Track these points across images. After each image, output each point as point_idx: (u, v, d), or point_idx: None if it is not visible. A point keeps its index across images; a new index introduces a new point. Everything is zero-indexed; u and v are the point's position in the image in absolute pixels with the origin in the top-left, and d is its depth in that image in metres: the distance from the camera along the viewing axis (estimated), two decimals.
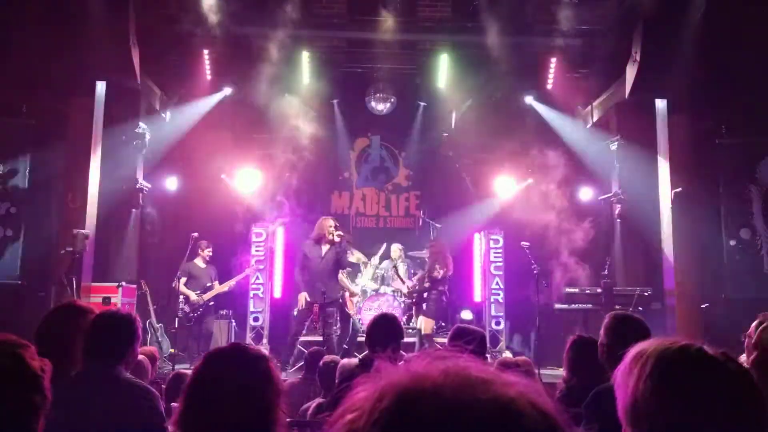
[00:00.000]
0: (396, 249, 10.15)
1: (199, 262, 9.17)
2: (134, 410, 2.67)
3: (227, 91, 10.39)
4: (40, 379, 1.63)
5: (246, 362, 1.84)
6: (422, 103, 11.33)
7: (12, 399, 1.59)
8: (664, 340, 1.33)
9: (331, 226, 8.22)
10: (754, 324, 3.06)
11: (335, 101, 11.00)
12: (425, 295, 8.73)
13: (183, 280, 8.96)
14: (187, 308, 8.85)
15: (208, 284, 9.07)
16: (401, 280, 9.66)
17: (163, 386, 4.67)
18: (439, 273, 8.61)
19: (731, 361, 1.27)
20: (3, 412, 1.57)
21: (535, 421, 0.64)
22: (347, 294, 9.07)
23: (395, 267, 9.93)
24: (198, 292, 8.94)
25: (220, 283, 9.31)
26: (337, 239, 8.22)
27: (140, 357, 4.73)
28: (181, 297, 8.84)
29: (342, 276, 8.90)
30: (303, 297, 8.13)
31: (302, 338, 9.53)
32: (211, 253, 9.30)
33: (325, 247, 8.22)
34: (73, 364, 2.70)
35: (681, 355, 1.27)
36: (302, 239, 10.52)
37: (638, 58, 8.49)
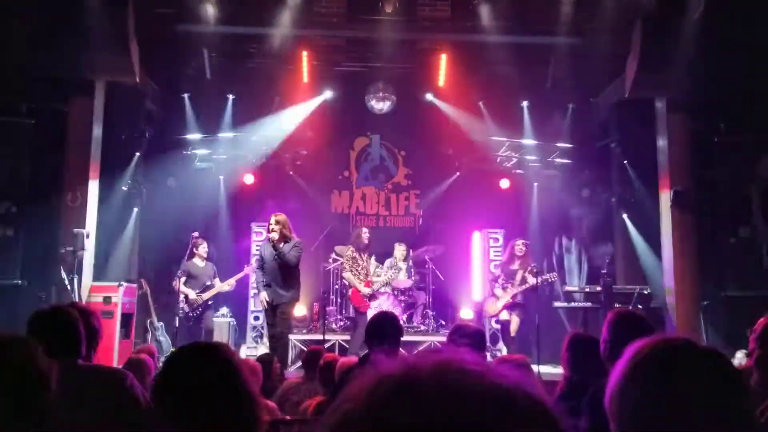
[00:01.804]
0: (400, 249, 10.13)
1: (197, 261, 9.16)
2: (100, 396, 2.66)
3: (226, 88, 10.43)
4: (49, 378, 1.64)
5: (205, 354, 1.88)
6: (426, 102, 11.31)
7: (23, 396, 1.60)
8: (659, 337, 1.34)
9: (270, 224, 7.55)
10: (760, 321, 3.06)
11: (331, 100, 10.98)
12: (521, 296, 8.76)
13: (182, 279, 8.94)
14: (186, 307, 8.85)
15: (208, 283, 9.06)
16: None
17: None
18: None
19: (718, 355, 1.29)
20: (16, 408, 1.58)
21: (528, 410, 0.64)
22: (351, 291, 8.86)
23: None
24: (197, 291, 8.95)
25: (221, 281, 9.31)
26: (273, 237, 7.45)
27: (143, 356, 4.74)
28: (181, 296, 8.85)
29: (348, 274, 8.73)
30: (263, 297, 7.59)
31: (303, 337, 9.56)
32: (207, 250, 9.27)
33: (278, 246, 7.51)
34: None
35: (656, 347, 1.29)
36: (301, 238, 10.56)
37: (637, 57, 8.50)
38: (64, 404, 2.06)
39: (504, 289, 8.91)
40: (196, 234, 9.02)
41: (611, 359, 2.98)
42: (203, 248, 9.20)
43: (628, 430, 1.25)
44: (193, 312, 8.88)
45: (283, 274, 7.46)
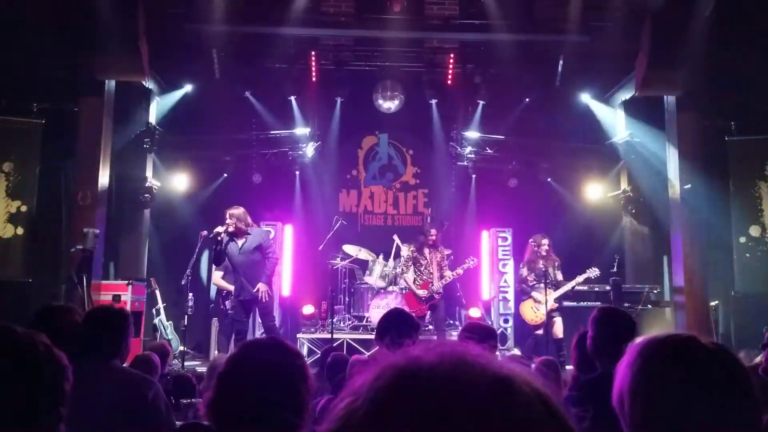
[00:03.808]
0: (408, 248, 10.08)
1: None
2: (129, 400, 2.71)
3: (234, 88, 10.46)
4: (64, 368, 1.66)
5: (283, 355, 1.83)
6: (433, 101, 11.27)
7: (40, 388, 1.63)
8: (661, 333, 1.35)
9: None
10: None
11: (339, 99, 10.98)
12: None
13: (219, 273, 9.03)
14: (228, 303, 8.93)
15: None
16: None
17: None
18: None
19: (722, 351, 1.28)
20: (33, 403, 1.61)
21: (529, 398, 0.65)
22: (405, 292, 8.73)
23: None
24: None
25: None
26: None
27: (148, 353, 4.77)
28: (191, 293, 8.82)
29: (409, 275, 8.63)
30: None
31: (310, 336, 9.57)
32: None
33: (241, 241, 7.52)
34: None
35: (662, 344, 1.29)
36: (309, 237, 10.59)
37: (647, 55, 8.46)
38: (85, 403, 2.10)
39: (539, 292, 8.49)
40: (204, 233, 9.04)
41: (596, 353, 3.03)
42: None
43: (640, 425, 1.25)
44: (232, 309, 8.95)
45: (253, 269, 7.40)
